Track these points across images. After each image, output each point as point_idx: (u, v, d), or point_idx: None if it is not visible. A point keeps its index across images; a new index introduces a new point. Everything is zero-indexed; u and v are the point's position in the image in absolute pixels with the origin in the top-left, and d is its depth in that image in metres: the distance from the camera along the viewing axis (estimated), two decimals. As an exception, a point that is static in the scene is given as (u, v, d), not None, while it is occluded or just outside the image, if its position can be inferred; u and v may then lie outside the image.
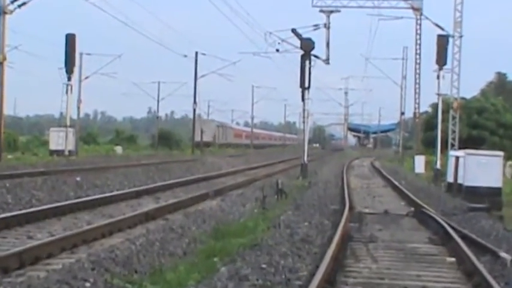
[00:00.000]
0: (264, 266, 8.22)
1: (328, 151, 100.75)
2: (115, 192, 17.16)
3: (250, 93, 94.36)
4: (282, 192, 18.45)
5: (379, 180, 29.30)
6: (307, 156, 30.79)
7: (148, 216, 12.89)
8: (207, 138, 74.93)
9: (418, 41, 46.74)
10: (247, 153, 66.25)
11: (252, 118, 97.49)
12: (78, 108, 47.87)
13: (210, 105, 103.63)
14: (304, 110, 30.15)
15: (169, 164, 32.68)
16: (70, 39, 36.13)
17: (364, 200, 19.12)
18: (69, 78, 36.82)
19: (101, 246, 9.57)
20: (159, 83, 72.57)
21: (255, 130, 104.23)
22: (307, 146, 30.70)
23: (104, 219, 12.50)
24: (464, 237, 10.95)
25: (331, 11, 33.63)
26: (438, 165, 30.53)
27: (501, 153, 23.05)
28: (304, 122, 30.82)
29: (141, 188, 18.78)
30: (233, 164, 38.06)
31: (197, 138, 73.80)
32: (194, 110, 59.57)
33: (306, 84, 29.12)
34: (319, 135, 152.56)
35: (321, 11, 33.80)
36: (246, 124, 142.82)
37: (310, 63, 29.17)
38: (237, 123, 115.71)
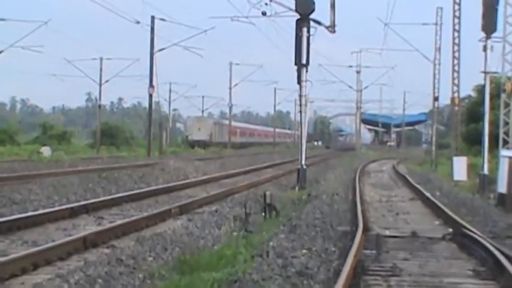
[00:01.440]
0: (246, 310, 8.22)
1: (335, 151, 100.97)
2: (41, 211, 17.05)
3: (227, 73, 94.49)
4: (271, 208, 18.44)
5: (405, 190, 29.44)
6: (306, 158, 30.80)
7: (88, 243, 12.84)
8: (203, 137, 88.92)
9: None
10: (223, 154, 66.32)
11: (230, 107, 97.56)
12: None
13: (172, 89, 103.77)
14: (301, 95, 30.15)
15: (116, 170, 32.60)
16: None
17: (384, 219, 19.19)
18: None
19: (22, 286, 9.49)
20: (101, 59, 72.42)
21: (234, 124, 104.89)
22: (305, 144, 30.73)
23: (25, 247, 12.43)
24: (521, 268, 10.99)
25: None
26: (485, 170, 30.66)
27: None
28: (301, 112, 30.80)
29: (78, 204, 18.72)
30: (204, 169, 38.05)
31: (192, 136, 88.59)
32: (150, 97, 59.26)
33: (304, 61, 29.12)
34: (322, 130, 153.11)
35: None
36: (222, 115, 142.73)
37: (309, 31, 29.15)
38: (210, 114, 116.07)
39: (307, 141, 32.64)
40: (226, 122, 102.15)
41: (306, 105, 30.48)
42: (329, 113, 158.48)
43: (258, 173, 38.83)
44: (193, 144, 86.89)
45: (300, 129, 31.69)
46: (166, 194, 23.98)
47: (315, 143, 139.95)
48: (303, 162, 29.84)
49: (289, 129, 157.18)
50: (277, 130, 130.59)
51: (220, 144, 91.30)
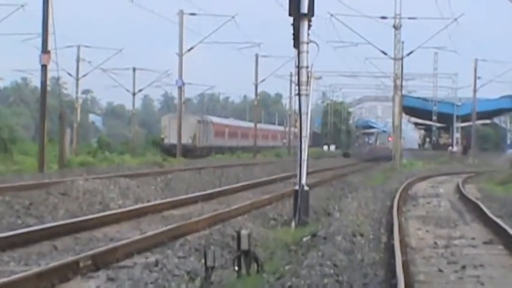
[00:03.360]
0: None
1: (358, 160, 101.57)
2: None
3: (176, 30, 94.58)
4: (249, 258, 18.51)
5: (476, 228, 29.60)
6: (309, 174, 30.81)
7: None
8: (183, 140, 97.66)
9: None
10: (169, 167, 66.38)
11: (181, 87, 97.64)
12: None
13: (81, 58, 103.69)
14: (299, 67, 30.20)
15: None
16: None
17: (442, 276, 19.26)
18: None
19: None
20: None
21: (220, 121, 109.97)
22: (307, 150, 30.64)
23: None
24: None
25: None
26: None
27: None
28: (299, 95, 30.80)
29: None
30: (137, 193, 37.99)
31: (169, 139, 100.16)
32: (44, 69, 59.04)
33: (305, 9, 29.21)
34: (337, 126, 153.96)
35: None
36: (167, 99, 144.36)
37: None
38: (147, 97, 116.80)
39: (311, 145, 32.67)
40: (214, 119, 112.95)
41: (308, 83, 30.48)
42: (348, 96, 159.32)
43: (227, 198, 38.89)
44: (170, 149, 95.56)
45: (298, 124, 31.49)
46: (72, 236, 24.05)
47: (325, 147, 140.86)
48: (304, 180, 29.85)
49: (281, 125, 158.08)
50: (261, 126, 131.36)
51: (205, 149, 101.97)
